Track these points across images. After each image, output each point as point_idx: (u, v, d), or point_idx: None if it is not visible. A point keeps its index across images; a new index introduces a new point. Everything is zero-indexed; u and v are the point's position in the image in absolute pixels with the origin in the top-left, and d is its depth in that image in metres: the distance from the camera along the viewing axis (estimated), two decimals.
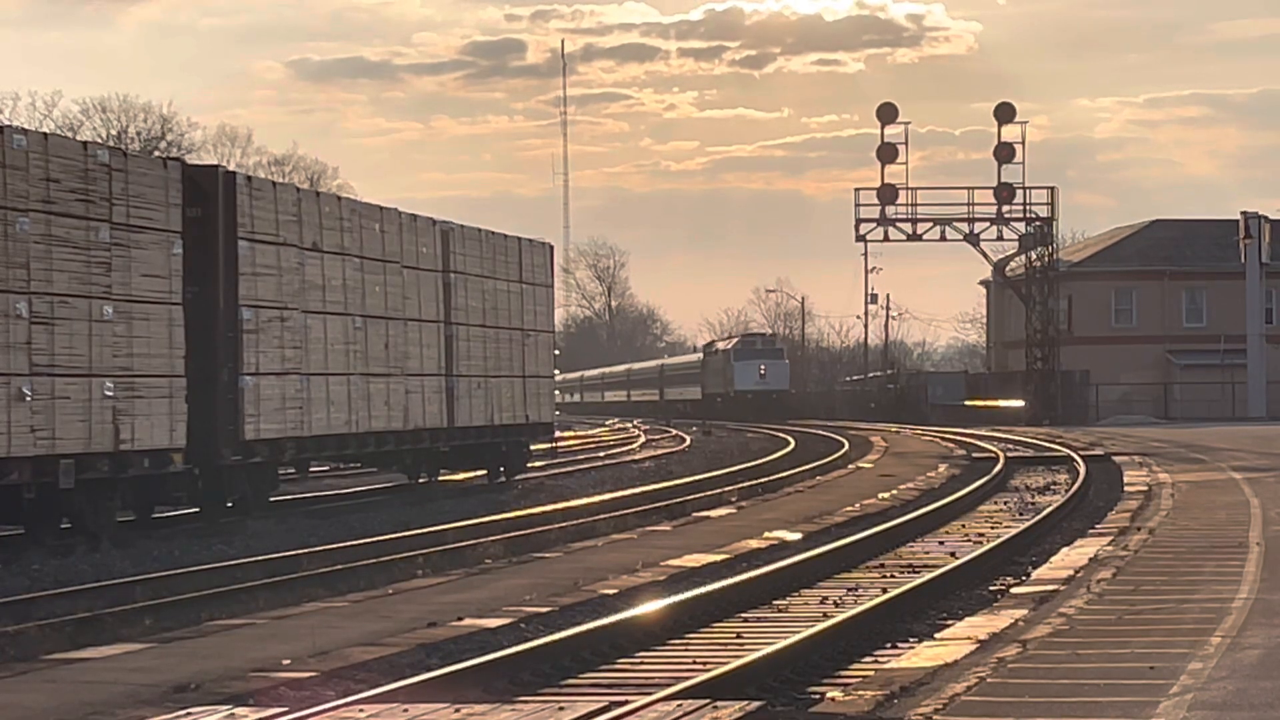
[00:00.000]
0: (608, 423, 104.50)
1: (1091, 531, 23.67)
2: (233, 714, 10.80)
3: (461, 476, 40.79)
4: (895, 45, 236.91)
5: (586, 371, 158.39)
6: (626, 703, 10.75)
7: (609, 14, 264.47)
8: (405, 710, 10.66)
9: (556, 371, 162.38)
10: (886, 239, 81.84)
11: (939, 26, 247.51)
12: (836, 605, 17.79)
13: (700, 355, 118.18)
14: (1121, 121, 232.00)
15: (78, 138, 54.14)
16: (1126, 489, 32.26)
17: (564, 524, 28.01)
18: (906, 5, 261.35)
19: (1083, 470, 38.20)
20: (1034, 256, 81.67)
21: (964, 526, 27.64)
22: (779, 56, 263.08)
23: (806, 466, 44.59)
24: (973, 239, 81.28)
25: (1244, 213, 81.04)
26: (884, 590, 18.58)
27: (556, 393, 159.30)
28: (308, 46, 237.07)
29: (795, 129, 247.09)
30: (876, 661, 14.22)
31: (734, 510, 31.06)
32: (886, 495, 34.03)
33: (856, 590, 19.28)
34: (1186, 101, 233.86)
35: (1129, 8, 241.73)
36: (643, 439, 71.69)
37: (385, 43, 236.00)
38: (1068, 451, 47.54)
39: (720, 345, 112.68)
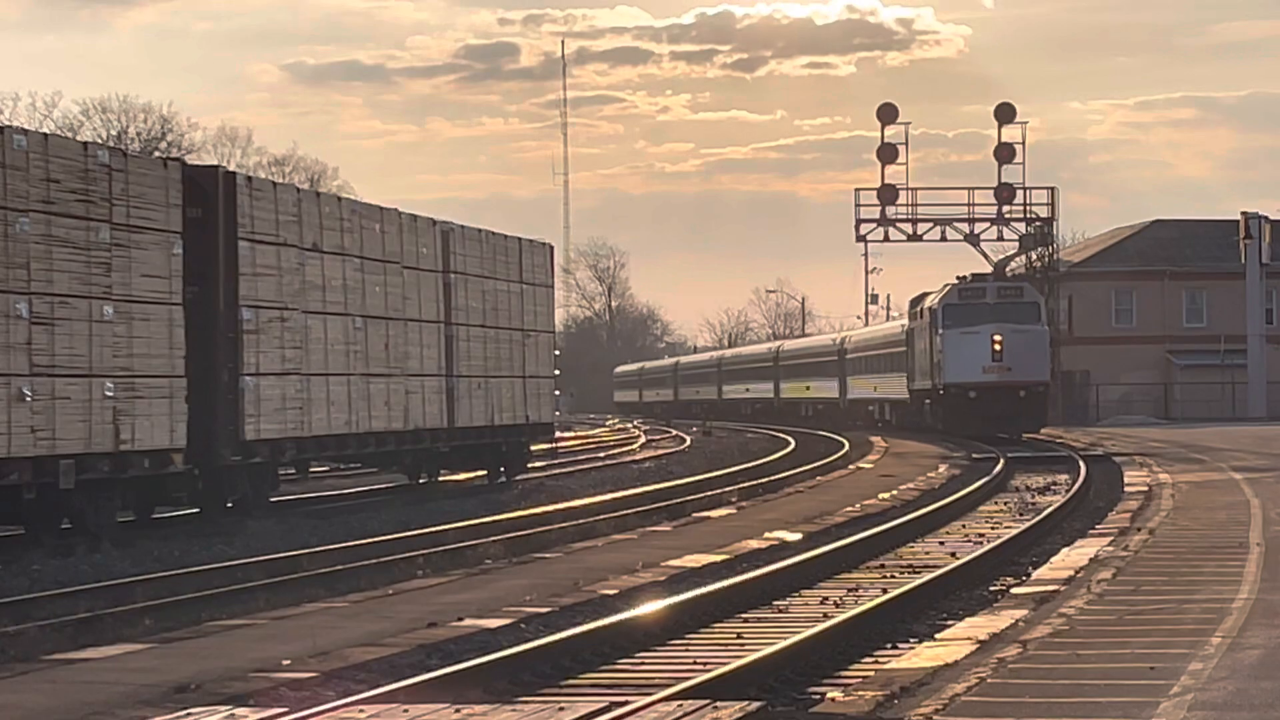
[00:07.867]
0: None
1: (1092, 532, 23.67)
2: (233, 714, 10.79)
3: (462, 477, 40.79)
4: (886, 49, 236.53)
5: (683, 358, 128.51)
6: (627, 703, 10.74)
7: (601, 18, 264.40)
8: (405, 710, 10.65)
9: (638, 363, 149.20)
10: (887, 239, 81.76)
11: (929, 30, 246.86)
12: (837, 605, 17.78)
13: (904, 324, 69.55)
14: (1113, 124, 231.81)
15: (78, 138, 54.14)
16: (1127, 489, 32.25)
17: (564, 524, 27.97)
18: (896, 9, 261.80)
19: (1083, 470, 38.16)
20: (1034, 257, 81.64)
21: (964, 527, 27.63)
22: (770, 60, 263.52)
23: (807, 467, 44.53)
24: (973, 239, 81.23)
25: (1244, 213, 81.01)
26: (884, 590, 18.57)
27: (637, 394, 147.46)
28: (302, 50, 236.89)
29: (788, 131, 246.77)
30: (877, 662, 14.21)
31: (734, 510, 31.04)
32: (887, 495, 34.00)
33: (857, 590, 19.27)
34: (1177, 104, 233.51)
35: (1117, 11, 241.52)
36: (642, 439, 71.70)
37: (379, 46, 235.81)
38: (1068, 452, 47.52)
39: (930, 302, 63.77)
